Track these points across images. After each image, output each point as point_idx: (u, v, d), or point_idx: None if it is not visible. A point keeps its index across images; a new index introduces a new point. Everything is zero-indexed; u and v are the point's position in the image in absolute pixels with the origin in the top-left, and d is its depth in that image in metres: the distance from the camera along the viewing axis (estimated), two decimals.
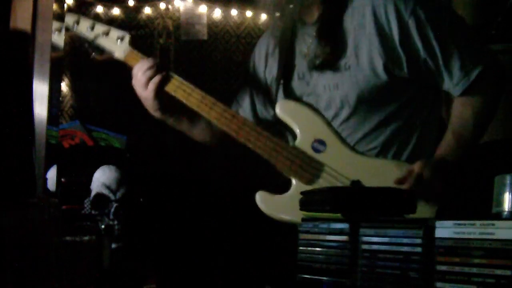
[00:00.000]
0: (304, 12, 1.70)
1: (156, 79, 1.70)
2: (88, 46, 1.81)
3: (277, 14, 1.72)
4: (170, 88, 1.73)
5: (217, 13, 3.76)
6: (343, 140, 1.65)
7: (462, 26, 1.65)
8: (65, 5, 3.22)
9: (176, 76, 1.73)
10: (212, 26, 3.76)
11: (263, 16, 3.75)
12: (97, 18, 3.62)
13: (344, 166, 1.61)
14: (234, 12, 3.77)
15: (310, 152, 1.64)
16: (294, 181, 1.64)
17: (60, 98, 2.85)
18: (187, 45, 3.72)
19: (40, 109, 1.25)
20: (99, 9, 3.63)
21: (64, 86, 3.48)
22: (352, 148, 1.64)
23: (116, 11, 3.66)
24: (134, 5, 3.67)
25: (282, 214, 1.62)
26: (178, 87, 1.72)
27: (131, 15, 3.67)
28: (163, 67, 1.72)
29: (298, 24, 1.73)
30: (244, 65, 1.94)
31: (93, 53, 1.81)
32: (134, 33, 3.65)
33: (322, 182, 1.61)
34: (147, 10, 3.68)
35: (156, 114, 1.76)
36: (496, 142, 1.87)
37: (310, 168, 1.63)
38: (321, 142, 1.64)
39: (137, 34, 3.65)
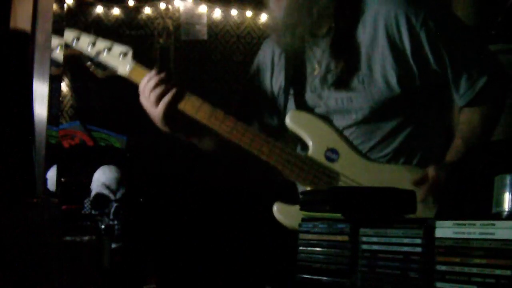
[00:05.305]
0: (313, 25, 1.65)
1: (167, 98, 1.63)
2: (90, 62, 1.74)
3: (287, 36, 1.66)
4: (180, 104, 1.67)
5: (217, 13, 3.76)
6: (355, 148, 1.64)
7: (469, 35, 1.66)
8: (65, 5, 3.22)
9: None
10: (212, 26, 3.76)
11: (263, 16, 3.75)
12: (97, 18, 3.62)
13: (357, 173, 1.61)
14: (234, 12, 3.77)
15: (323, 161, 1.64)
16: None
17: (60, 98, 2.85)
18: (187, 45, 3.72)
19: (40, 109, 1.25)
20: (99, 9, 3.64)
21: (64, 86, 3.48)
22: (365, 156, 1.64)
23: (116, 11, 3.66)
24: (134, 5, 3.68)
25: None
26: (187, 101, 1.66)
27: (131, 15, 3.67)
28: (172, 80, 1.65)
29: (307, 36, 1.69)
30: (248, 71, 1.91)
31: (94, 69, 1.74)
32: (134, 33, 3.66)
33: None
34: (147, 10, 3.69)
35: (165, 129, 1.70)
36: (496, 142, 1.87)
37: (325, 177, 1.62)
38: (334, 151, 1.64)
39: (137, 34, 3.66)
